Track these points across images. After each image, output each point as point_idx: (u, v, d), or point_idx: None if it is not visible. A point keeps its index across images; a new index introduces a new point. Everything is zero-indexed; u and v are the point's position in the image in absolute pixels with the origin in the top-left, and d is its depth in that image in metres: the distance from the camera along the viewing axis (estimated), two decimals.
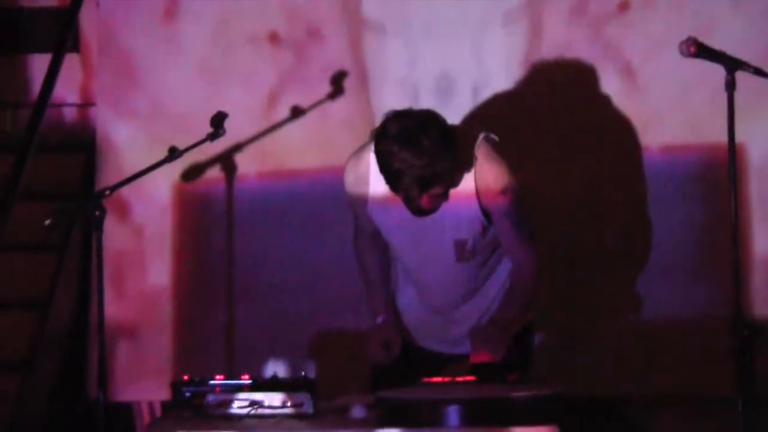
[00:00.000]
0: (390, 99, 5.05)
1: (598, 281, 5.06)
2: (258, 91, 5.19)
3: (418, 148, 3.57)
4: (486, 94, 5.15)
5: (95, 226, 3.75)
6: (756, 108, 4.73)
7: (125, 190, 4.18)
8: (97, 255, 3.80)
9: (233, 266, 5.15)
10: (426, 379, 3.65)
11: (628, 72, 5.10)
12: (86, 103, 5.43)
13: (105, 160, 5.22)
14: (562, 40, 5.14)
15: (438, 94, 5.11)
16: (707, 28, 4.82)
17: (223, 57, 5.22)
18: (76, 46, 5.38)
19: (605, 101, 5.09)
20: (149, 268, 5.19)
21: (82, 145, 5.36)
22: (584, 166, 5.09)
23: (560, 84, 5.14)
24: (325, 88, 5.16)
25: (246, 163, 5.17)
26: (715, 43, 3.57)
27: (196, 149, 4.11)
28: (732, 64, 3.52)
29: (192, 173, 5.16)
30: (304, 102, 5.17)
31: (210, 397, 3.47)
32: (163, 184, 5.12)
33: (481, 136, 3.79)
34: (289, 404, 3.44)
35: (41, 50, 5.37)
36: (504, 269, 3.94)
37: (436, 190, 3.64)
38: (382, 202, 3.80)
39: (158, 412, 5.07)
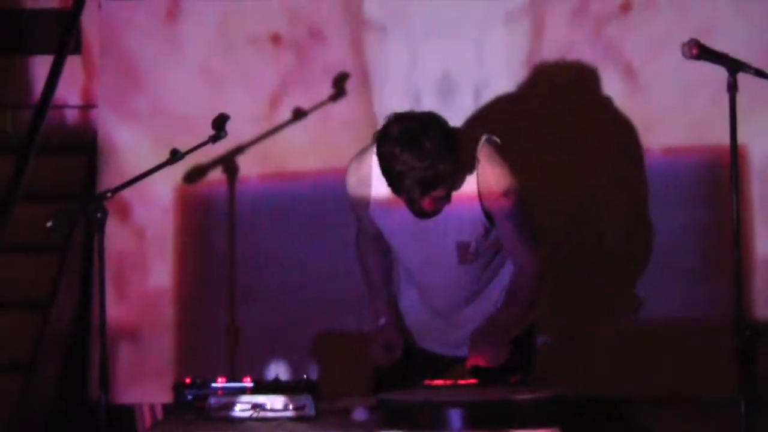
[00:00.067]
0: (391, 100, 5.05)
1: (599, 282, 5.06)
2: (260, 92, 5.19)
3: (420, 150, 3.56)
4: (487, 95, 5.15)
5: (97, 227, 3.75)
6: (758, 110, 4.72)
7: (127, 192, 4.17)
8: (98, 256, 3.79)
9: (235, 268, 5.15)
10: (428, 382, 3.65)
11: (629, 73, 5.09)
12: (88, 105, 5.43)
13: (106, 162, 5.22)
14: (563, 41, 5.14)
15: (439, 96, 5.11)
16: (709, 30, 4.83)
17: (224, 58, 5.22)
18: (77, 47, 5.37)
19: (607, 102, 5.09)
20: (151, 270, 5.19)
21: (84, 146, 5.35)
22: (586, 167, 5.08)
23: (562, 85, 5.14)
24: (327, 89, 5.16)
25: (248, 165, 5.16)
26: (717, 44, 3.57)
27: (197, 151, 4.10)
28: (734, 66, 3.52)
29: (194, 175, 5.16)
30: (305, 104, 5.17)
31: (212, 400, 3.47)
32: (165, 185, 5.12)
33: (484, 138, 3.79)
34: (291, 407, 3.45)
35: (43, 51, 5.37)
36: (507, 272, 3.93)
37: (438, 192, 3.64)
38: (384, 204, 3.80)
39: (160, 415, 5.07)
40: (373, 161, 3.74)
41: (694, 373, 4.98)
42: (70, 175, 5.28)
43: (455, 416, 3.26)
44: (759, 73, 3.56)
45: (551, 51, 5.15)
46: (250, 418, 3.44)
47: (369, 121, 5.07)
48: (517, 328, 3.93)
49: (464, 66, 5.17)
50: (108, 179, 5.07)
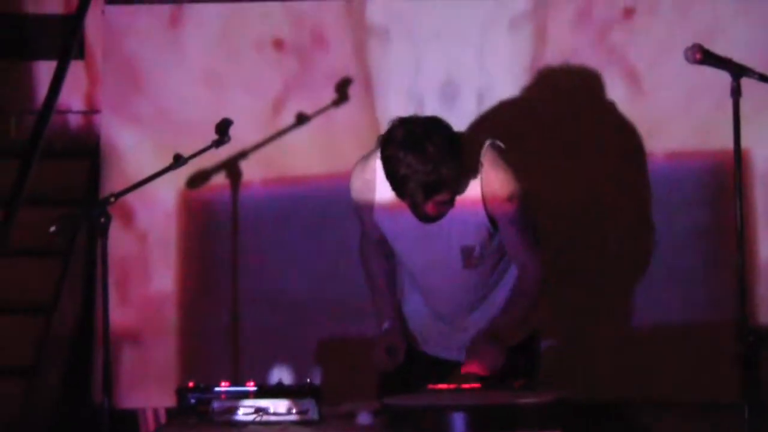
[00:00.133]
0: (395, 105, 5.05)
1: (602, 286, 5.06)
2: (263, 97, 5.19)
3: (423, 154, 3.57)
4: (491, 100, 5.16)
5: (100, 232, 3.75)
6: (761, 114, 4.72)
7: (130, 197, 4.18)
8: (102, 261, 3.79)
9: (238, 272, 5.15)
10: (431, 386, 3.64)
11: (633, 78, 5.10)
12: (91, 110, 5.43)
13: (109, 167, 5.22)
14: (567, 46, 5.15)
15: (443, 101, 5.11)
16: (712, 34, 4.83)
17: (227, 64, 5.22)
18: (81, 53, 5.38)
19: (610, 107, 5.09)
20: (154, 274, 5.19)
21: (87, 151, 5.36)
22: (589, 172, 5.08)
23: (565, 90, 5.14)
24: (330, 94, 5.16)
25: (251, 170, 5.17)
26: (720, 49, 3.57)
27: (200, 156, 4.11)
28: (737, 71, 3.52)
29: (197, 180, 5.16)
30: (308, 108, 5.17)
31: (215, 404, 3.47)
32: (168, 190, 5.12)
33: (487, 142, 3.79)
34: (294, 411, 3.44)
35: (46, 57, 5.38)
36: (511, 276, 3.93)
37: (442, 196, 3.64)
38: (388, 208, 3.80)
39: (163, 419, 5.07)
40: (377, 165, 3.74)
41: (698, 378, 4.98)
42: (73, 179, 5.29)
43: (458, 420, 3.26)
44: (762, 78, 3.55)
45: (554, 56, 5.15)
46: (253, 422, 3.43)
47: (372, 126, 5.08)
48: (517, 333, 3.93)
49: (467, 71, 5.18)
50: (111, 184, 5.07)
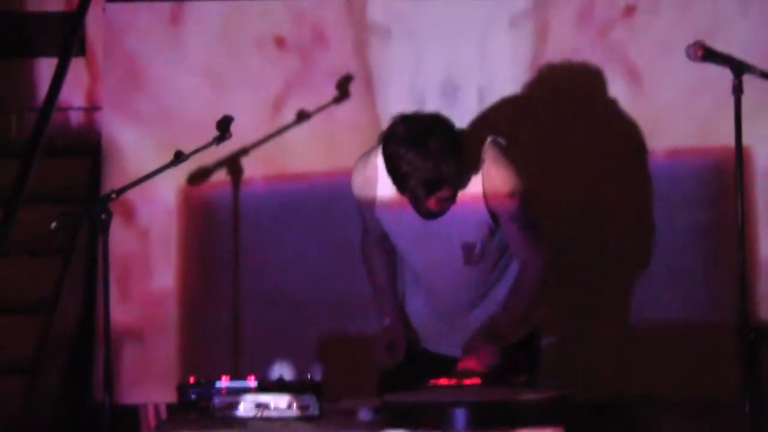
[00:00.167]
0: (395, 103, 5.05)
1: (603, 284, 5.06)
2: (264, 95, 5.19)
3: (425, 150, 3.57)
4: (491, 98, 5.15)
5: (101, 229, 3.75)
6: (762, 111, 4.71)
7: (131, 194, 4.18)
8: (102, 258, 3.79)
9: (239, 269, 5.15)
10: (432, 382, 3.64)
11: (634, 76, 5.09)
12: (92, 107, 5.43)
13: (111, 164, 5.22)
14: (568, 45, 5.14)
15: (443, 99, 5.11)
16: (713, 32, 4.83)
17: (228, 61, 5.22)
18: (82, 50, 5.38)
19: (611, 105, 5.09)
20: (155, 271, 5.19)
21: (88, 148, 5.36)
22: (589, 170, 5.08)
23: (566, 88, 5.14)
24: (331, 92, 5.16)
25: (252, 167, 5.16)
26: (721, 46, 3.57)
27: (201, 153, 4.11)
28: (739, 68, 3.52)
29: (198, 177, 5.16)
30: (309, 106, 5.17)
31: (216, 400, 3.47)
32: (169, 187, 5.12)
33: (489, 139, 3.80)
34: (295, 406, 3.44)
35: (47, 54, 5.38)
36: (512, 273, 3.93)
37: (443, 192, 3.65)
38: (389, 205, 3.80)
39: (164, 415, 5.07)
40: (379, 162, 3.74)
41: (698, 376, 4.98)
42: (74, 177, 5.29)
43: (459, 416, 3.26)
44: (764, 75, 3.56)
45: (555, 54, 5.15)
46: (254, 418, 3.44)
47: (373, 123, 5.08)
48: (517, 330, 3.93)
49: (468, 69, 5.18)
50: (112, 181, 5.06)
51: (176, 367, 5.09)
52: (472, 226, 3.79)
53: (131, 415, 5.10)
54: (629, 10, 5.11)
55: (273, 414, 3.44)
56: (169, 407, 4.90)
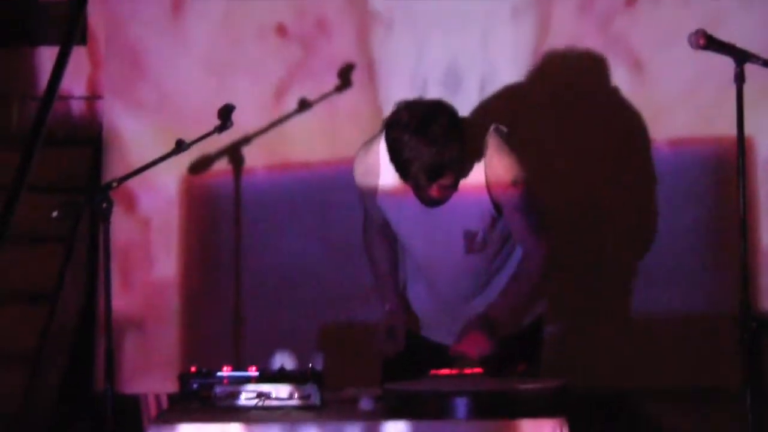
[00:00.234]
0: (397, 92, 5.03)
1: (604, 276, 5.06)
2: (265, 83, 5.18)
3: (428, 136, 3.57)
4: (493, 88, 5.15)
5: (102, 218, 3.75)
6: (765, 101, 4.71)
7: (132, 183, 4.18)
8: (104, 247, 3.79)
9: (240, 258, 5.15)
10: (434, 372, 3.64)
11: (636, 65, 5.09)
12: (93, 96, 5.43)
13: (112, 153, 5.22)
14: (570, 34, 5.14)
15: (445, 88, 5.10)
16: (715, 21, 4.82)
17: (230, 50, 5.22)
18: (83, 38, 5.37)
19: (613, 95, 5.08)
20: (156, 261, 5.19)
21: (90, 137, 5.35)
22: (591, 160, 5.08)
23: (568, 78, 5.13)
24: (333, 80, 5.16)
25: (253, 156, 5.16)
26: (724, 35, 3.56)
27: (203, 141, 4.10)
28: (741, 57, 3.50)
29: (199, 166, 5.16)
30: (311, 95, 5.16)
31: (217, 389, 3.47)
32: (171, 176, 5.12)
33: (492, 127, 3.80)
34: (296, 396, 3.45)
35: (48, 43, 5.37)
36: (515, 263, 3.93)
37: (446, 179, 3.64)
38: (391, 192, 3.80)
39: (165, 404, 5.07)
40: (381, 150, 3.74)
41: (701, 366, 4.98)
42: (75, 166, 5.28)
43: (460, 405, 3.26)
44: (767, 64, 3.54)
45: (557, 44, 5.14)
46: (255, 407, 3.44)
47: (375, 112, 5.07)
48: (516, 316, 3.92)
49: (470, 59, 5.17)
50: (114, 170, 5.06)
51: (177, 357, 5.09)
52: (474, 214, 3.79)
53: (132, 404, 5.11)
54: (631, 0, 5.10)
55: (274, 403, 3.44)
56: (171, 397, 4.90)
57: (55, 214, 3.75)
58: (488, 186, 3.75)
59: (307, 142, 5.16)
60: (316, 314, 5.10)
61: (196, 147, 4.07)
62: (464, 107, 4.81)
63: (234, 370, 3.56)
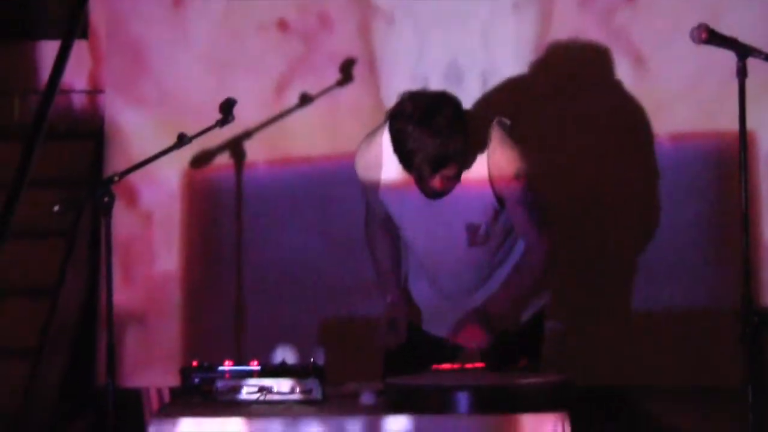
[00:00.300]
0: (399, 87, 4.97)
1: (605, 272, 5.05)
2: (267, 78, 5.18)
3: (432, 127, 3.57)
4: (495, 82, 5.15)
5: (104, 212, 3.75)
6: (767, 95, 4.71)
7: (134, 177, 4.17)
8: (105, 241, 3.79)
9: (242, 252, 5.16)
10: (435, 366, 3.64)
11: (637, 60, 5.08)
12: (95, 90, 5.43)
13: (114, 147, 5.22)
14: (571, 28, 5.13)
15: (447, 82, 5.10)
16: (717, 15, 4.81)
17: (231, 44, 5.22)
18: (84, 32, 5.37)
19: (615, 89, 5.08)
20: (158, 255, 5.19)
21: (91, 131, 5.35)
22: (594, 154, 5.08)
23: (569, 72, 5.13)
24: (334, 75, 5.16)
25: (255, 150, 5.16)
26: (726, 29, 3.55)
27: (204, 136, 4.10)
28: (743, 51, 3.50)
29: (201, 160, 5.16)
30: (312, 89, 5.16)
31: (219, 383, 3.47)
32: (172, 170, 5.12)
33: (495, 120, 3.79)
34: (298, 390, 3.45)
35: (50, 37, 5.37)
36: (517, 256, 3.92)
37: (449, 170, 3.63)
38: (394, 185, 3.79)
39: (167, 398, 5.07)
40: (384, 142, 3.74)
41: (702, 362, 4.97)
42: (77, 160, 5.28)
43: (462, 400, 3.26)
44: None
45: (559, 38, 5.13)
46: (257, 401, 3.44)
47: (376, 107, 5.07)
48: (514, 310, 3.92)
49: (471, 53, 5.17)
50: (115, 164, 5.06)
51: (179, 351, 5.10)
52: (476, 207, 3.78)
53: (134, 398, 5.11)
54: None
55: (276, 398, 3.44)
56: (172, 391, 4.90)
57: (56, 208, 3.74)
58: (491, 178, 3.75)
59: (308, 137, 5.16)
60: (318, 309, 5.10)
61: (198, 141, 4.06)
62: (466, 101, 4.74)
63: (235, 364, 3.56)
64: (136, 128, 5.18)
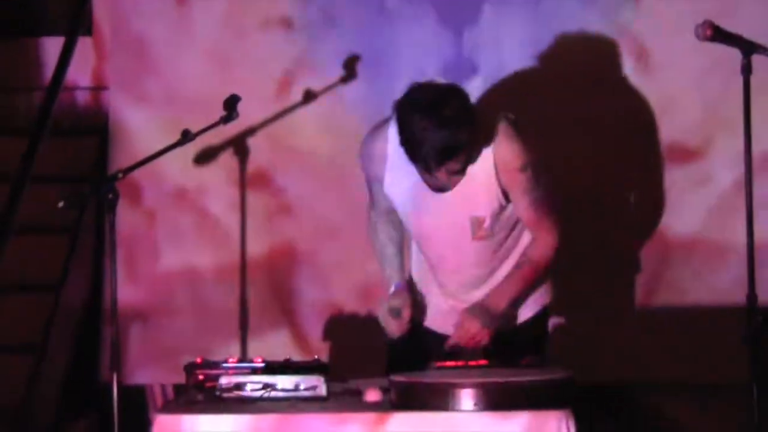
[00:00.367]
0: (403, 83, 5.02)
1: (609, 267, 5.05)
2: (270, 75, 5.19)
3: (439, 118, 3.56)
4: (499, 78, 5.14)
5: (108, 209, 3.75)
6: None
7: (138, 173, 4.17)
8: (109, 238, 3.79)
9: (246, 249, 5.16)
10: (439, 363, 3.64)
11: (642, 57, 5.08)
12: (99, 87, 5.43)
13: (118, 144, 5.22)
14: (576, 25, 5.13)
15: (451, 79, 5.06)
16: (722, 12, 4.79)
17: (235, 41, 5.22)
18: (89, 29, 5.38)
19: (620, 85, 5.08)
20: (162, 251, 5.19)
21: (95, 128, 5.36)
22: (599, 150, 5.08)
23: (575, 68, 5.13)
24: (338, 72, 5.16)
25: (258, 147, 5.16)
26: (731, 26, 3.55)
27: (208, 132, 4.10)
28: (748, 47, 3.49)
29: (205, 157, 5.16)
30: (316, 86, 5.16)
31: (223, 380, 3.47)
32: (176, 167, 5.12)
33: (501, 114, 3.79)
34: (302, 387, 3.44)
35: (54, 33, 5.38)
36: (520, 251, 3.92)
37: (455, 162, 3.62)
38: (398, 178, 3.79)
39: (171, 395, 5.08)
40: (389, 135, 3.73)
41: (707, 359, 4.97)
42: (81, 157, 5.29)
43: (466, 397, 3.26)
44: None
45: (563, 35, 5.13)
46: (261, 398, 3.44)
47: (380, 104, 5.06)
48: (517, 304, 3.91)
49: (476, 50, 5.17)
50: (119, 161, 5.06)
51: (183, 347, 5.10)
52: (481, 200, 3.77)
53: (138, 395, 5.11)
54: None
55: (280, 395, 3.44)
56: (176, 387, 4.91)
57: (60, 204, 3.75)
58: (497, 172, 3.74)
59: (311, 134, 5.16)
60: (323, 305, 5.10)
61: (201, 138, 4.06)
62: (470, 98, 4.81)
63: (240, 360, 3.56)
64: (140, 125, 5.18)
